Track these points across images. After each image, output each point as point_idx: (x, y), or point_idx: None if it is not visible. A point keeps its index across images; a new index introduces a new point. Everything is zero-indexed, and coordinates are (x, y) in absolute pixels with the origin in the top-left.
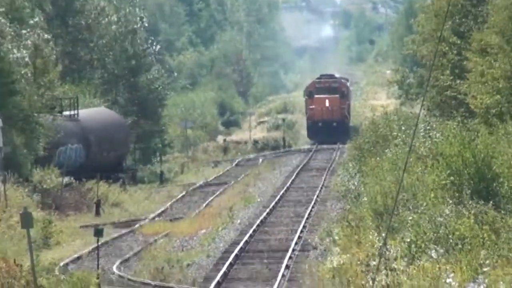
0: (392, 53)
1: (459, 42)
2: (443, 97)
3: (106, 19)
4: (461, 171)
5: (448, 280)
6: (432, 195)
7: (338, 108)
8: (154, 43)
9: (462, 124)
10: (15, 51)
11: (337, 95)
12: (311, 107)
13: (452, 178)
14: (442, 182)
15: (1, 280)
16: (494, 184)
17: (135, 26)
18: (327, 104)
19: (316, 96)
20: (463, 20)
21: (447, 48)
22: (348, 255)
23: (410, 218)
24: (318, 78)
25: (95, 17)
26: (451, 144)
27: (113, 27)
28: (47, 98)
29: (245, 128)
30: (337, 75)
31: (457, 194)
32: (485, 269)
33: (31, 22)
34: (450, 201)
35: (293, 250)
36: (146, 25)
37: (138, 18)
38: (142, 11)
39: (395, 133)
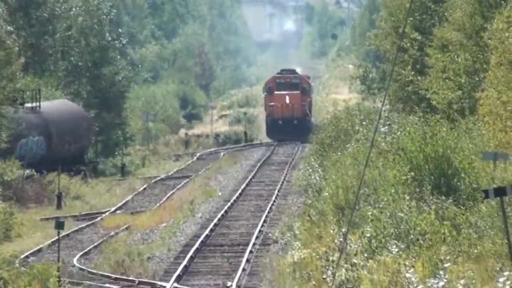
0: (355, 48)
1: (420, 38)
2: (405, 92)
3: (73, 10)
4: (421, 166)
5: (407, 275)
6: (393, 190)
7: (299, 105)
8: (121, 37)
9: (424, 119)
10: None
11: (298, 91)
12: (270, 104)
13: (412, 173)
14: (402, 177)
15: None
16: (455, 180)
17: (102, 18)
18: (287, 100)
19: (276, 92)
20: (424, 16)
21: (408, 44)
22: (308, 249)
23: (371, 213)
24: (278, 73)
25: (59, 8)
26: (412, 139)
27: (80, 18)
28: (9, 90)
29: (206, 121)
30: (298, 70)
31: (418, 190)
32: (445, 265)
33: None
34: (410, 197)
35: (254, 244)
36: (113, 16)
37: (106, 10)
38: (108, 4)
39: (356, 128)
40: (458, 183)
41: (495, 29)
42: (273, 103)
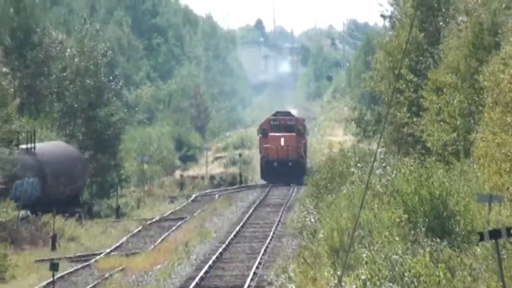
0: (350, 89)
1: (416, 79)
2: (400, 134)
3: (68, 51)
4: (416, 208)
5: None
6: (388, 232)
7: (294, 148)
8: (116, 79)
9: (419, 161)
10: None
11: (293, 133)
12: (265, 145)
13: (406, 215)
14: (396, 219)
15: None
16: (450, 222)
17: (98, 59)
18: (282, 143)
19: (271, 134)
20: (420, 58)
21: (404, 86)
22: None
23: (365, 255)
24: (273, 115)
25: (55, 50)
26: (408, 181)
27: (76, 59)
28: (4, 131)
29: (202, 163)
30: (293, 112)
31: (412, 232)
32: None
33: None
34: (404, 239)
35: (249, 286)
36: (109, 59)
37: (103, 52)
38: (104, 46)
39: (352, 170)
40: (453, 226)
41: (491, 70)
42: (267, 145)
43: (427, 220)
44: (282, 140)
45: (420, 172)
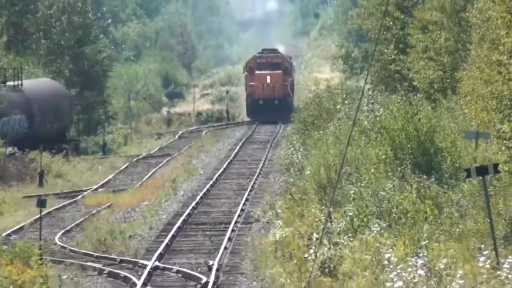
0: (337, 27)
1: (402, 17)
2: (387, 71)
3: None
4: (404, 145)
5: (387, 255)
6: (372, 170)
7: (281, 85)
8: (104, 16)
9: (406, 99)
10: None
11: (279, 71)
12: (251, 83)
13: (392, 152)
14: (382, 156)
15: None
16: (437, 159)
17: None
18: (268, 80)
19: (257, 72)
20: None
21: (391, 23)
22: (290, 228)
23: (353, 191)
24: (259, 53)
25: None
26: (395, 118)
27: None
28: None
29: (189, 100)
30: (281, 49)
31: (399, 168)
32: (426, 243)
33: None
34: (392, 175)
35: (236, 222)
36: None
37: None
38: None
39: (339, 107)
40: (440, 162)
41: (480, 7)
42: (253, 83)
43: (414, 157)
44: (268, 78)
45: (406, 109)
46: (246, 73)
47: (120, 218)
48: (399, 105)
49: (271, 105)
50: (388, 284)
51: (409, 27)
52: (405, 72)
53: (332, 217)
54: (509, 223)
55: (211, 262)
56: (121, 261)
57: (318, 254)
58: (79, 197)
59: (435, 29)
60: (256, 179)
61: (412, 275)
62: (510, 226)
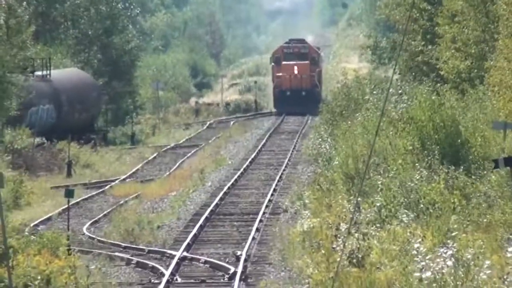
0: (365, 17)
1: (429, 8)
2: (415, 62)
3: None
4: (431, 136)
5: (416, 245)
6: (400, 161)
7: (308, 76)
8: (132, 6)
9: (433, 89)
10: None
11: (307, 61)
12: (278, 74)
13: (419, 143)
14: (410, 147)
15: None
16: (464, 150)
17: None
18: (295, 71)
19: (284, 62)
20: None
21: (418, 14)
22: (318, 218)
23: (381, 182)
24: (286, 43)
25: None
26: (422, 109)
27: None
28: (19, 58)
29: (217, 90)
30: (309, 39)
31: (427, 159)
32: (454, 234)
33: None
34: (420, 166)
35: (264, 213)
36: None
37: None
38: None
39: (367, 97)
40: (468, 153)
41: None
42: (280, 74)
43: (441, 147)
44: (296, 68)
45: (433, 99)
46: (273, 63)
47: (148, 209)
48: (426, 96)
49: (299, 96)
50: (416, 274)
51: (438, 16)
52: (432, 63)
53: (360, 208)
54: None
55: (239, 253)
56: (149, 251)
57: (346, 245)
58: (107, 187)
59: (462, 20)
60: (284, 170)
61: (440, 266)
62: None
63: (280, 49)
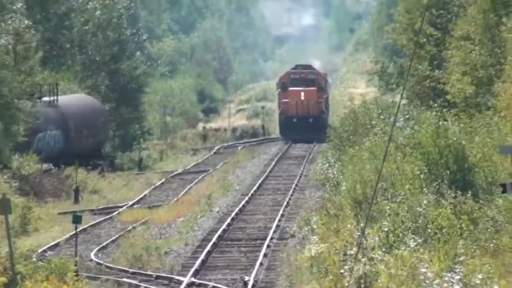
0: (372, 41)
1: (436, 33)
2: (422, 87)
3: (90, 4)
4: (437, 161)
5: (423, 270)
6: (407, 186)
7: (315, 102)
8: (139, 32)
9: (440, 114)
10: None
11: (314, 88)
12: (284, 100)
13: (426, 168)
14: (417, 172)
15: None
16: (471, 174)
17: (121, 12)
18: (302, 97)
19: (291, 88)
20: (441, 12)
21: (424, 40)
22: (326, 244)
23: (389, 207)
24: (293, 69)
25: (77, 3)
26: (427, 133)
27: (97, 12)
28: (27, 84)
29: (224, 115)
30: (316, 65)
31: (435, 184)
32: (462, 259)
33: (13, 8)
34: (427, 191)
35: (271, 238)
36: (132, 11)
37: (125, 4)
38: None
39: (374, 122)
40: (475, 178)
41: None
42: (287, 100)
43: (448, 172)
44: (302, 94)
45: (438, 124)
46: (279, 89)
47: (155, 234)
48: (430, 121)
49: (305, 123)
50: None
51: (449, 36)
52: (440, 88)
53: (366, 233)
54: None
55: (246, 278)
56: (157, 277)
57: (354, 270)
58: (114, 213)
59: (469, 44)
60: (291, 195)
61: None
62: None
63: (286, 75)
